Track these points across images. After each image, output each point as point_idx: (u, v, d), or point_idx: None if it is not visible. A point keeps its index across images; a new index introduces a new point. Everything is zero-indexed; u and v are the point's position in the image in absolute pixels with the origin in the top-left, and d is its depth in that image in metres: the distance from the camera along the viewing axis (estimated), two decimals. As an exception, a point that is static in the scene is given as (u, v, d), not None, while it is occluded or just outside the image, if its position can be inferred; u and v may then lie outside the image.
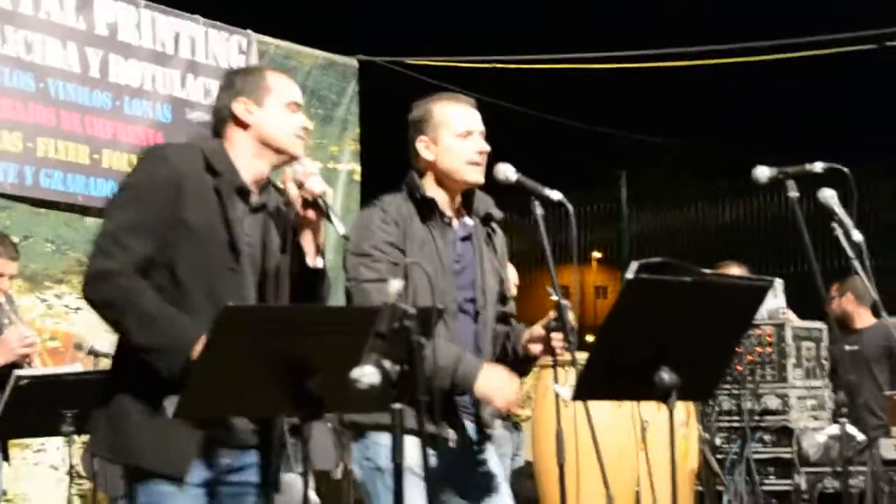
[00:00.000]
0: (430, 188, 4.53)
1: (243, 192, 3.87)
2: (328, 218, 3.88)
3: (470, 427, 4.55)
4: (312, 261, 3.93)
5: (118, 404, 3.72)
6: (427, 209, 4.50)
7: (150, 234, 3.71)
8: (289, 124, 3.94)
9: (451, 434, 4.46)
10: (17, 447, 6.98)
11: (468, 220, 4.63)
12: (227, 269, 3.77)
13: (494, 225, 4.72)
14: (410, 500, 4.24)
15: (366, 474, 4.47)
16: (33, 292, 7.95)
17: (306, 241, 3.91)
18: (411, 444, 4.18)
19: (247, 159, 3.90)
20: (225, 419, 3.73)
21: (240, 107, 3.92)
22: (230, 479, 3.80)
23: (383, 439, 4.22)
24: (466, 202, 4.62)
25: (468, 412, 4.54)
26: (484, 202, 4.66)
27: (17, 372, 6.08)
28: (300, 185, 3.84)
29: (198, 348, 3.49)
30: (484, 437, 4.61)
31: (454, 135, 4.50)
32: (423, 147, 4.53)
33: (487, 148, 4.53)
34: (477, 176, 4.52)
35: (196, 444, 3.68)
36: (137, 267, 3.69)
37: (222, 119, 3.96)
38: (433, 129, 4.52)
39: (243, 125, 3.92)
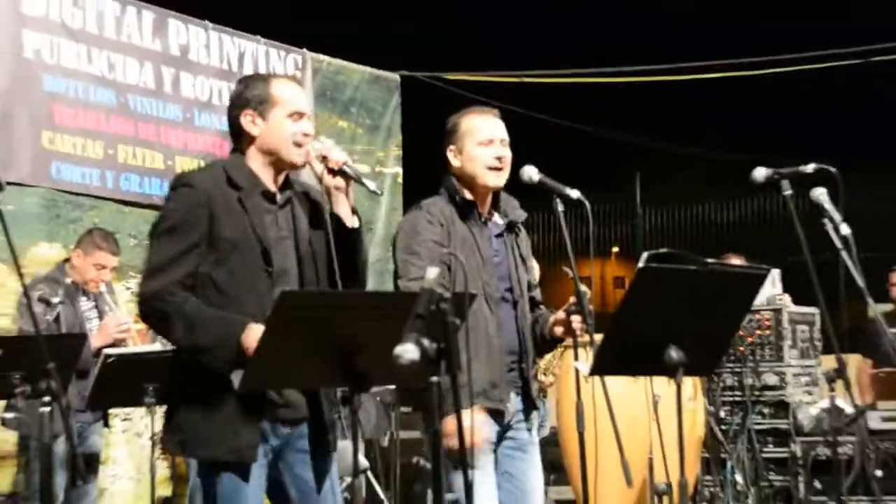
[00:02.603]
0: (465, 192, 4.56)
1: (268, 195, 3.90)
2: (356, 180, 3.91)
3: (516, 400, 4.59)
4: (350, 222, 3.95)
5: (183, 401, 3.76)
6: (467, 210, 4.53)
7: (189, 256, 3.74)
8: (290, 135, 3.88)
9: (510, 407, 4.50)
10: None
11: (499, 220, 4.66)
12: (263, 272, 3.80)
13: (519, 226, 4.74)
14: (486, 472, 4.29)
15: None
16: (119, 281, 8.03)
17: (340, 206, 3.94)
18: (481, 422, 4.22)
19: (262, 167, 3.90)
20: (280, 398, 3.77)
21: (246, 119, 3.90)
22: (288, 449, 3.85)
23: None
24: (495, 203, 4.65)
25: (515, 385, 4.58)
26: (510, 204, 4.69)
27: (106, 351, 6.18)
28: (324, 159, 3.87)
29: (249, 336, 3.53)
30: (529, 408, 4.65)
31: (476, 143, 4.53)
32: (451, 155, 4.58)
33: (505, 153, 4.54)
34: (497, 180, 4.54)
35: (258, 430, 3.73)
36: (181, 285, 3.72)
37: (234, 130, 3.96)
38: (460, 138, 4.56)
39: (250, 138, 3.90)
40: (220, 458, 3.70)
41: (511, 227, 4.67)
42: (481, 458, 4.34)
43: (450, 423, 4.24)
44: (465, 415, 3.88)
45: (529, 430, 4.66)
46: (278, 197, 3.93)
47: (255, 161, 3.90)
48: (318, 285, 3.91)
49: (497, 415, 4.47)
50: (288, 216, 3.93)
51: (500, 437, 4.55)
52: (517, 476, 4.56)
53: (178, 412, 3.76)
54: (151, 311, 3.75)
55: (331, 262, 3.92)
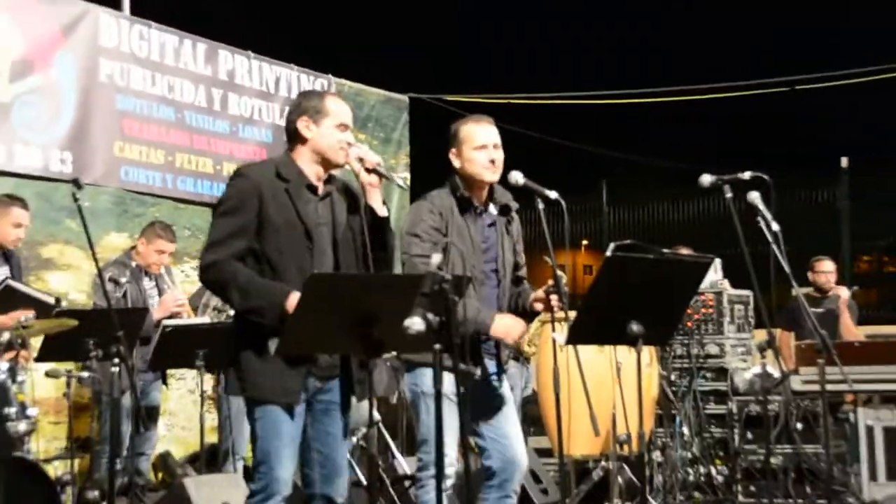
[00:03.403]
0: (464, 188, 4.53)
1: (311, 188, 3.90)
2: (387, 177, 3.93)
3: (491, 364, 4.56)
4: (381, 211, 3.97)
5: (244, 355, 3.75)
6: (465, 203, 4.51)
7: (243, 234, 3.76)
8: (336, 141, 3.91)
9: (478, 370, 4.48)
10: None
11: (493, 210, 4.63)
12: (305, 249, 3.80)
13: (513, 214, 4.70)
14: (447, 418, 4.29)
15: (413, 397, 4.51)
16: (176, 265, 8.02)
17: (373, 199, 3.95)
18: (448, 378, 4.22)
19: (309, 164, 3.92)
20: (316, 358, 3.77)
21: (302, 124, 3.92)
22: (320, 399, 3.85)
23: (426, 372, 4.28)
24: (490, 196, 4.63)
25: (490, 353, 4.56)
26: (505, 196, 4.66)
27: (164, 322, 6.17)
28: (361, 160, 3.89)
29: (290, 301, 3.54)
30: (501, 371, 4.63)
31: (473, 147, 4.49)
32: (453, 157, 4.54)
33: (497, 156, 4.51)
34: (492, 176, 4.52)
35: (301, 380, 3.74)
36: (235, 257, 3.74)
37: (290, 132, 3.96)
38: (459, 144, 4.52)
39: (303, 139, 3.92)
40: (269, 398, 3.72)
41: (505, 211, 4.63)
42: (446, 408, 4.33)
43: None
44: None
45: (501, 387, 4.60)
46: (320, 190, 3.94)
47: (304, 158, 3.92)
48: (351, 266, 3.92)
49: (466, 376, 4.43)
50: (327, 206, 3.94)
51: (471, 396, 4.46)
52: (497, 426, 4.52)
53: (241, 363, 3.77)
54: (211, 278, 3.78)
55: (362, 246, 3.94)
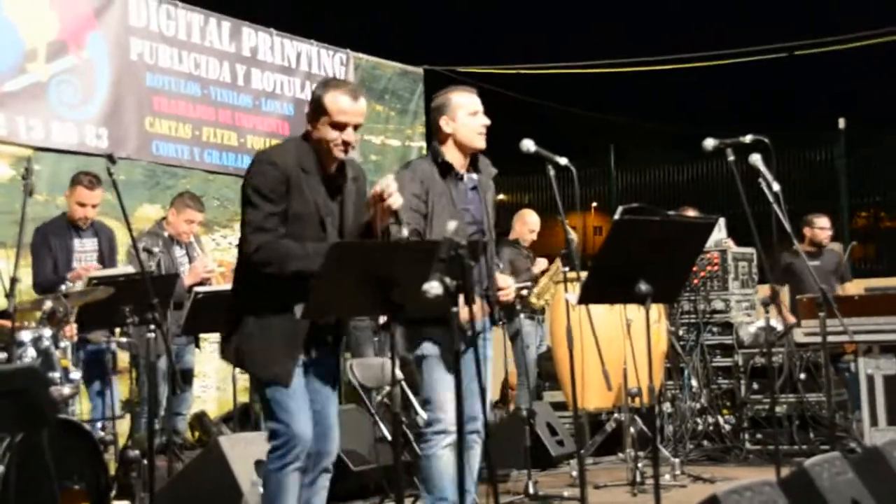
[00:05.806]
0: (449, 153, 4.45)
1: (325, 178, 3.83)
2: (398, 221, 3.69)
3: (483, 320, 4.47)
4: (376, 236, 3.81)
5: (246, 334, 3.74)
6: (446, 169, 4.43)
7: (281, 219, 3.72)
8: (330, 139, 3.79)
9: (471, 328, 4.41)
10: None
11: (474, 176, 4.55)
12: (318, 238, 3.76)
13: (490, 182, 4.61)
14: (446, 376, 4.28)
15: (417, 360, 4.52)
16: (207, 234, 8.03)
17: (377, 225, 3.78)
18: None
19: (321, 154, 3.82)
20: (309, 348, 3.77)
21: (309, 127, 3.85)
22: (317, 367, 3.84)
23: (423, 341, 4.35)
24: (472, 163, 4.54)
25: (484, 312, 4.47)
26: (484, 163, 4.59)
27: (196, 288, 6.17)
28: (382, 196, 3.69)
29: None
30: (492, 323, 4.58)
31: (467, 113, 4.42)
32: (444, 124, 4.43)
33: (488, 122, 4.45)
34: (482, 143, 4.46)
35: (294, 361, 3.72)
36: (280, 238, 3.71)
37: (307, 116, 3.90)
38: (452, 110, 4.43)
39: (312, 132, 3.83)
40: (263, 377, 3.74)
41: (482, 172, 4.55)
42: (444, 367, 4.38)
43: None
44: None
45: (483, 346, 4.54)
46: (332, 179, 3.86)
47: (317, 146, 3.83)
48: None
49: (461, 332, 4.37)
50: (338, 196, 3.87)
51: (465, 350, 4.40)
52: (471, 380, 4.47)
53: (244, 342, 3.75)
54: (263, 258, 3.70)
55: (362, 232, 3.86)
